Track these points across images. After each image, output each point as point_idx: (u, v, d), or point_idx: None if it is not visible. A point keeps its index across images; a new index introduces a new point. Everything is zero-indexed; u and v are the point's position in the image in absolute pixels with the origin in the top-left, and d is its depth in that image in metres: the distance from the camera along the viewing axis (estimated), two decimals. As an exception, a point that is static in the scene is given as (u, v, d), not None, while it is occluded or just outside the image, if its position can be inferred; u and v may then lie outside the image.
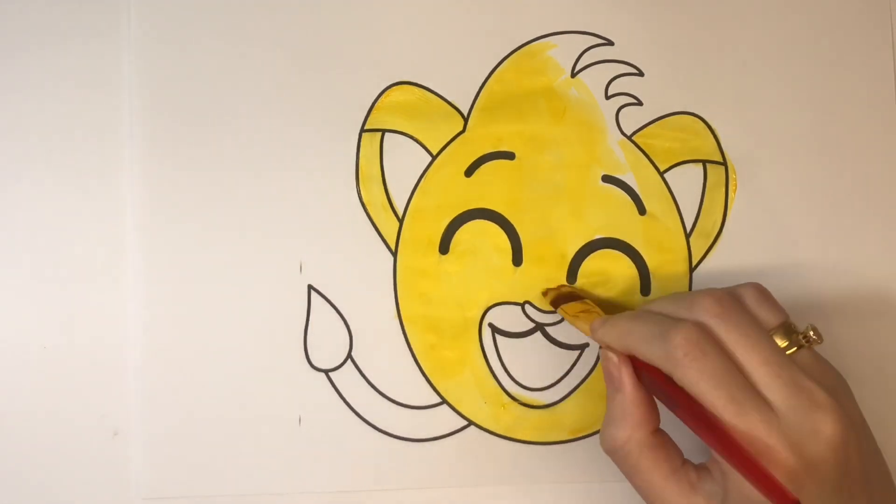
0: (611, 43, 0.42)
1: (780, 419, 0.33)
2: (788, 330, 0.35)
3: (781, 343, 0.35)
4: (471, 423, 0.41)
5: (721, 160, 0.42)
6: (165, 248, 0.41)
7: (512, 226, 0.42)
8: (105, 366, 0.40)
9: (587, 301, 0.40)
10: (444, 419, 0.41)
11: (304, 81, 0.41)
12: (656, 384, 0.35)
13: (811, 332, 0.35)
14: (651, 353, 0.35)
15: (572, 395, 0.42)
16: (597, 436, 0.41)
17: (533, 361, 0.41)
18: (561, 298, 0.41)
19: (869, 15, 0.43)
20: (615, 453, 0.36)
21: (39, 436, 0.40)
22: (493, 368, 0.41)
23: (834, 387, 0.34)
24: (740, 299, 0.36)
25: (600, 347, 0.38)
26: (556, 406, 0.42)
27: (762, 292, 0.36)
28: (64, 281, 0.40)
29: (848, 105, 0.42)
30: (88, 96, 0.41)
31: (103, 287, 0.41)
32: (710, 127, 0.42)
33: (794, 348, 0.35)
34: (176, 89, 0.41)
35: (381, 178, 0.41)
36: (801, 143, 0.42)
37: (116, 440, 0.40)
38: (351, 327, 0.41)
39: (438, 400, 0.41)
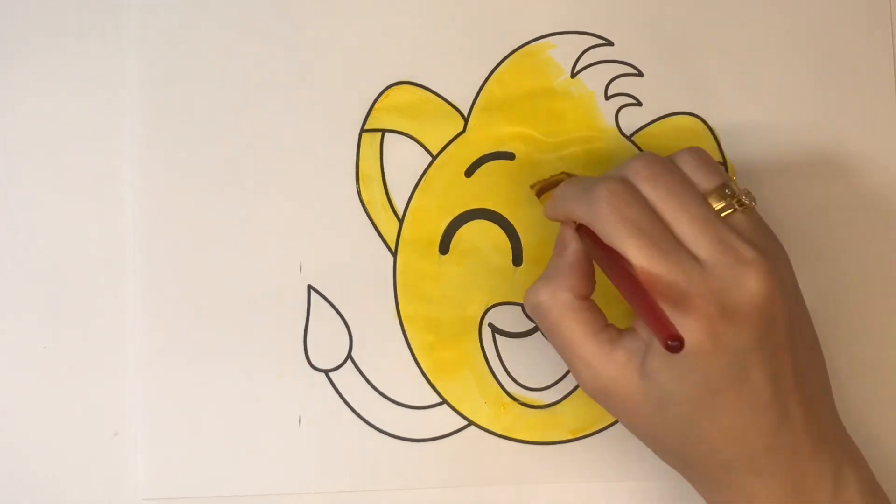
0: (611, 43, 0.42)
1: (703, 270, 0.32)
2: (724, 193, 0.34)
3: (716, 205, 0.34)
4: (471, 423, 0.41)
5: (721, 160, 0.42)
6: (165, 248, 0.41)
7: (512, 226, 0.42)
8: (105, 366, 0.40)
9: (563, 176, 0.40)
10: (444, 419, 0.41)
11: (303, 81, 0.41)
12: (593, 248, 0.35)
13: (744, 197, 0.34)
14: (579, 210, 0.35)
15: (572, 395, 0.42)
16: (597, 436, 0.41)
17: (533, 361, 0.41)
18: (547, 188, 0.40)
19: (869, 15, 0.43)
20: (537, 308, 0.36)
21: (40, 435, 0.40)
22: (493, 368, 0.41)
23: (767, 249, 0.34)
24: (676, 162, 0.35)
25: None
26: (556, 406, 0.42)
27: (700, 156, 0.36)
28: (64, 281, 0.40)
29: (848, 105, 0.42)
30: (88, 96, 0.41)
31: (103, 287, 0.41)
32: (709, 127, 0.42)
33: (730, 210, 0.34)
34: (176, 89, 0.41)
35: (381, 178, 0.41)
36: (801, 143, 0.42)
37: (116, 440, 0.40)
38: (351, 327, 0.41)
39: (438, 400, 0.41)
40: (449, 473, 0.41)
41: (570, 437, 0.41)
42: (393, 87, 0.42)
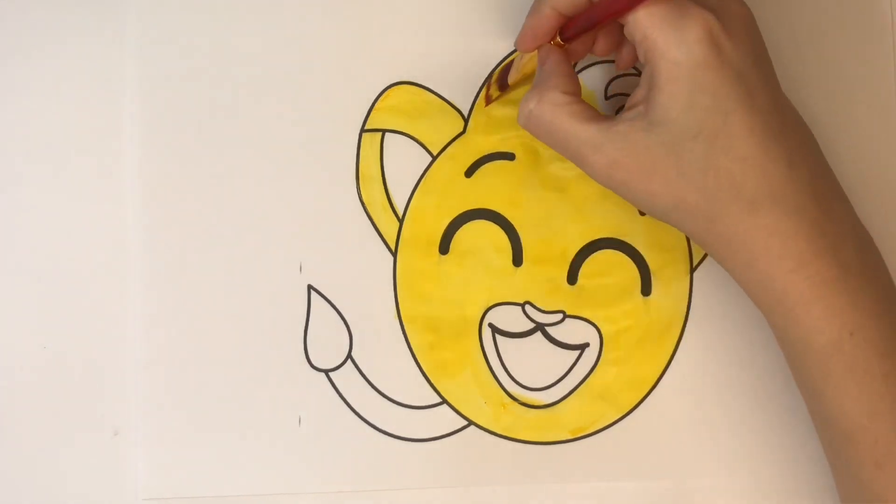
0: (611, 43, 0.42)
1: None
2: None
3: None
4: (471, 423, 0.41)
5: (721, 160, 0.42)
6: (165, 248, 0.41)
7: (512, 226, 0.42)
8: (105, 366, 0.40)
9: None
10: (444, 419, 0.41)
11: (304, 81, 0.41)
12: (586, 18, 0.36)
13: None
14: None
15: (572, 395, 0.42)
16: (597, 436, 0.41)
17: (533, 361, 0.41)
18: (502, 77, 0.40)
19: (869, 15, 0.43)
20: (530, 116, 0.36)
21: (39, 436, 0.40)
22: (493, 368, 0.41)
23: None
24: None
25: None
26: (556, 406, 0.42)
27: None
28: (64, 281, 0.40)
29: (848, 105, 0.42)
30: (88, 96, 0.41)
31: (103, 287, 0.41)
32: (710, 127, 0.42)
33: None
34: (176, 89, 0.41)
35: (381, 178, 0.41)
36: (802, 143, 0.42)
37: (116, 440, 0.40)
38: (351, 327, 0.41)
39: (438, 400, 0.41)
40: (449, 473, 0.41)
41: (570, 437, 0.41)
42: (393, 87, 0.42)
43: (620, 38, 0.38)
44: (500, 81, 0.41)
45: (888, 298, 0.35)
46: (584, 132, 0.35)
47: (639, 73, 0.42)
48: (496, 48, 0.42)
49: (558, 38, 0.37)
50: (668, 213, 0.35)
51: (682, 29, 0.33)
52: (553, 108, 0.35)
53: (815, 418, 0.37)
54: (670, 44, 0.33)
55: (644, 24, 0.33)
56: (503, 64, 0.41)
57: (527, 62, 0.39)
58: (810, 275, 0.34)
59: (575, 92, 0.36)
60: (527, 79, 0.40)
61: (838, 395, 0.34)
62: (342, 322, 0.41)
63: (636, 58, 0.38)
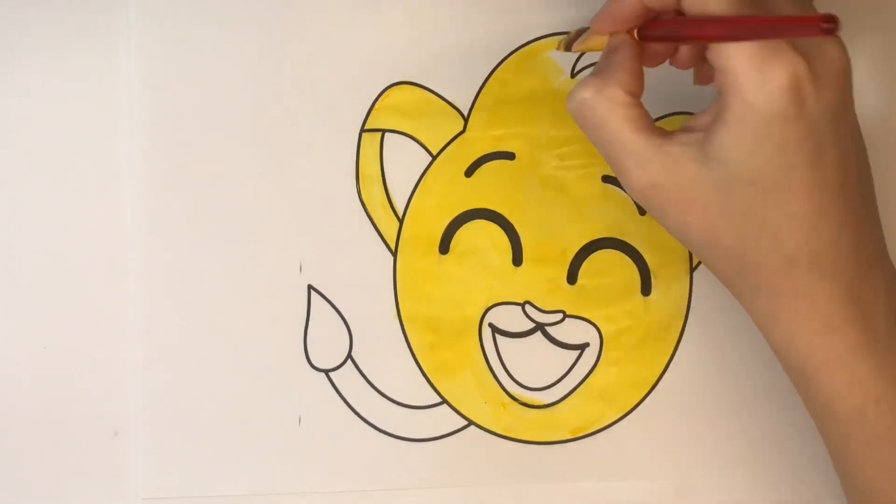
0: (611, 43, 0.42)
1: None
2: None
3: None
4: (471, 423, 0.41)
5: (721, 160, 0.42)
6: (165, 248, 0.41)
7: (512, 226, 0.42)
8: (105, 366, 0.40)
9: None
10: (444, 419, 0.41)
11: (304, 81, 0.41)
12: (669, 26, 0.33)
13: None
14: None
15: (572, 395, 0.42)
16: (597, 436, 0.41)
17: (533, 361, 0.41)
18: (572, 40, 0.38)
19: (868, 15, 0.43)
20: (582, 104, 0.33)
21: (39, 436, 0.40)
22: (493, 368, 0.41)
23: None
24: None
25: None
26: (556, 406, 0.42)
27: None
28: (64, 281, 0.40)
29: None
30: (88, 96, 0.41)
31: (103, 287, 0.41)
32: (710, 127, 0.42)
33: None
34: (176, 89, 0.41)
35: (381, 178, 0.41)
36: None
37: (116, 440, 0.40)
38: (351, 327, 0.41)
39: (438, 400, 0.41)
40: (449, 473, 0.41)
41: (570, 437, 0.41)
42: (393, 87, 0.42)
43: (703, 55, 0.35)
44: (567, 44, 0.39)
45: None
46: (633, 142, 0.32)
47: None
48: (496, 48, 0.42)
49: (635, 33, 0.34)
50: (697, 247, 0.34)
51: (766, 72, 0.30)
52: (609, 104, 0.33)
53: (837, 471, 0.36)
54: (751, 85, 0.30)
55: (729, 55, 0.30)
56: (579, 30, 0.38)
57: (595, 42, 0.36)
58: (836, 340, 0.32)
59: (637, 93, 0.33)
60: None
61: (860, 459, 0.34)
62: (342, 322, 0.41)
63: (691, 67, 0.36)
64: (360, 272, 0.41)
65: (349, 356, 0.41)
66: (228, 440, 0.40)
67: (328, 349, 0.41)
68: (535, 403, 0.41)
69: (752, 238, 0.32)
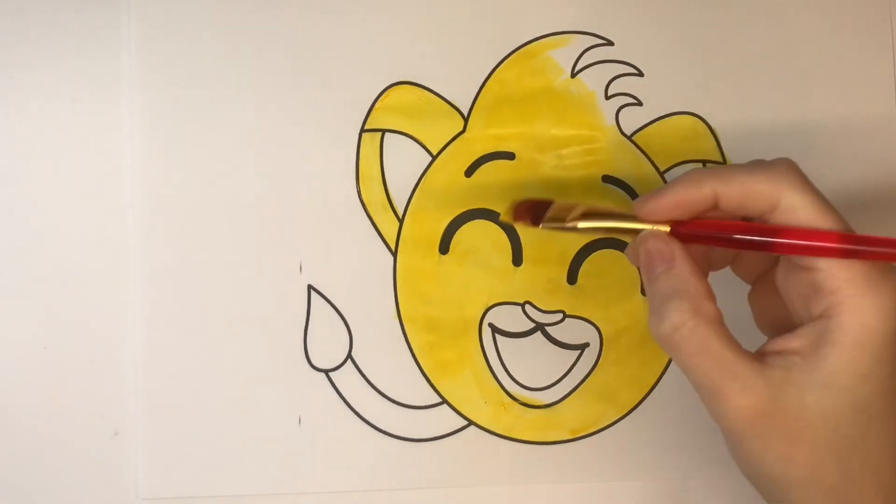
0: (611, 43, 0.42)
1: None
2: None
3: None
4: (471, 423, 0.41)
5: (721, 160, 0.42)
6: (165, 248, 0.41)
7: (512, 226, 0.42)
8: (105, 366, 0.40)
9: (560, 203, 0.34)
10: (444, 419, 0.41)
11: (304, 81, 0.41)
12: (733, 231, 0.31)
13: None
14: (751, 180, 0.30)
15: (572, 395, 0.42)
16: (597, 436, 0.41)
17: (533, 361, 0.41)
18: (524, 211, 0.35)
19: (869, 15, 0.43)
20: (678, 331, 0.30)
21: (39, 436, 0.40)
22: (493, 368, 0.41)
23: None
24: None
25: (637, 237, 0.33)
26: (556, 406, 0.42)
27: None
28: (64, 281, 0.40)
29: (848, 105, 0.42)
30: (88, 96, 0.41)
31: (103, 287, 0.41)
32: (710, 127, 0.42)
33: None
34: (176, 89, 0.41)
35: (381, 178, 0.41)
36: (801, 144, 0.42)
37: (116, 440, 0.40)
38: (351, 327, 0.41)
39: (438, 400, 0.41)
40: (449, 473, 0.41)
41: (570, 437, 0.41)
42: (393, 87, 0.42)
43: (768, 262, 0.34)
44: (522, 216, 0.35)
45: None
46: (737, 364, 0.30)
47: (639, 72, 0.42)
48: (496, 48, 0.42)
49: (667, 228, 0.31)
50: (795, 485, 0.30)
51: (881, 293, 0.29)
52: (710, 325, 0.30)
53: None
54: (868, 307, 0.29)
55: (842, 276, 0.29)
56: (526, 201, 0.36)
57: (586, 225, 0.33)
58: None
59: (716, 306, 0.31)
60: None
61: None
62: (342, 322, 0.41)
63: (756, 277, 0.34)
64: (360, 272, 0.41)
65: (349, 356, 0.41)
66: (228, 440, 0.40)
67: (328, 349, 0.41)
68: (535, 403, 0.41)
69: (857, 471, 0.30)
